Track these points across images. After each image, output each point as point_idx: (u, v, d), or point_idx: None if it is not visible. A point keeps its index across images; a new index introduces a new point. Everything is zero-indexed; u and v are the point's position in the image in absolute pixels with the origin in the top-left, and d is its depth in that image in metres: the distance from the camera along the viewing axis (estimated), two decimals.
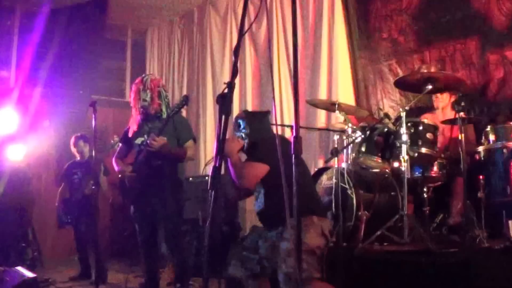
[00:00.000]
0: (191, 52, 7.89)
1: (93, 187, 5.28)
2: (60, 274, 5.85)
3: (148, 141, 3.94)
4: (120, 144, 4.45)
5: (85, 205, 5.47)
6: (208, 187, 2.13)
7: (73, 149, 5.86)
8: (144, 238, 4.19)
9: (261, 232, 3.30)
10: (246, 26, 2.32)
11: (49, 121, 6.96)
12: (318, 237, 3.06)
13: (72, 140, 5.87)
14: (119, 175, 4.24)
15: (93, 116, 4.20)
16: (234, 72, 2.20)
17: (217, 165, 2.12)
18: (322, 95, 5.76)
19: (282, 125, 5.02)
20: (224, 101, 2.15)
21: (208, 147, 7.31)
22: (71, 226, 5.78)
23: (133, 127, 4.19)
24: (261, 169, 3.13)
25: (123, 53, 8.64)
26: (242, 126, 3.39)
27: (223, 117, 2.14)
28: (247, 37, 6.64)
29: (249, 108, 6.75)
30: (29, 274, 4.15)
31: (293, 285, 2.89)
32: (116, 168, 4.30)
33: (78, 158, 5.88)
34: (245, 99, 6.82)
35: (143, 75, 4.27)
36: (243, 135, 3.35)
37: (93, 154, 4.55)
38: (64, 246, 6.68)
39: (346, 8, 5.71)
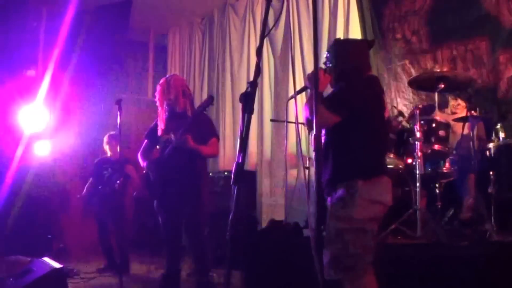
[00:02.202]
0: (211, 52, 7.99)
1: (117, 182, 5.46)
2: (84, 265, 5.95)
3: (173, 138, 4.08)
4: (146, 140, 4.59)
5: (112, 200, 5.54)
6: (232, 183, 2.13)
7: (106, 147, 5.94)
8: (167, 231, 4.26)
9: None
10: (266, 27, 2.36)
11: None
12: (369, 207, 2.55)
13: (106, 138, 5.95)
14: (144, 170, 4.40)
15: (119, 113, 4.30)
16: (257, 72, 2.24)
17: (239, 161, 2.12)
18: None
19: (302, 123, 5.08)
20: (247, 99, 2.17)
21: (226, 144, 7.46)
22: (94, 216, 5.89)
23: (160, 125, 4.28)
24: (327, 120, 2.60)
25: (146, 54, 8.80)
26: (327, 58, 2.89)
27: (246, 115, 2.15)
28: None
29: (267, 107, 6.88)
30: (56, 264, 4.16)
31: (341, 272, 2.52)
32: (141, 163, 4.45)
33: (109, 154, 5.94)
34: (262, 98, 6.96)
35: (167, 76, 4.36)
36: (328, 69, 2.83)
37: (118, 149, 4.67)
38: (88, 238, 6.85)
39: (361, 10, 5.79)
